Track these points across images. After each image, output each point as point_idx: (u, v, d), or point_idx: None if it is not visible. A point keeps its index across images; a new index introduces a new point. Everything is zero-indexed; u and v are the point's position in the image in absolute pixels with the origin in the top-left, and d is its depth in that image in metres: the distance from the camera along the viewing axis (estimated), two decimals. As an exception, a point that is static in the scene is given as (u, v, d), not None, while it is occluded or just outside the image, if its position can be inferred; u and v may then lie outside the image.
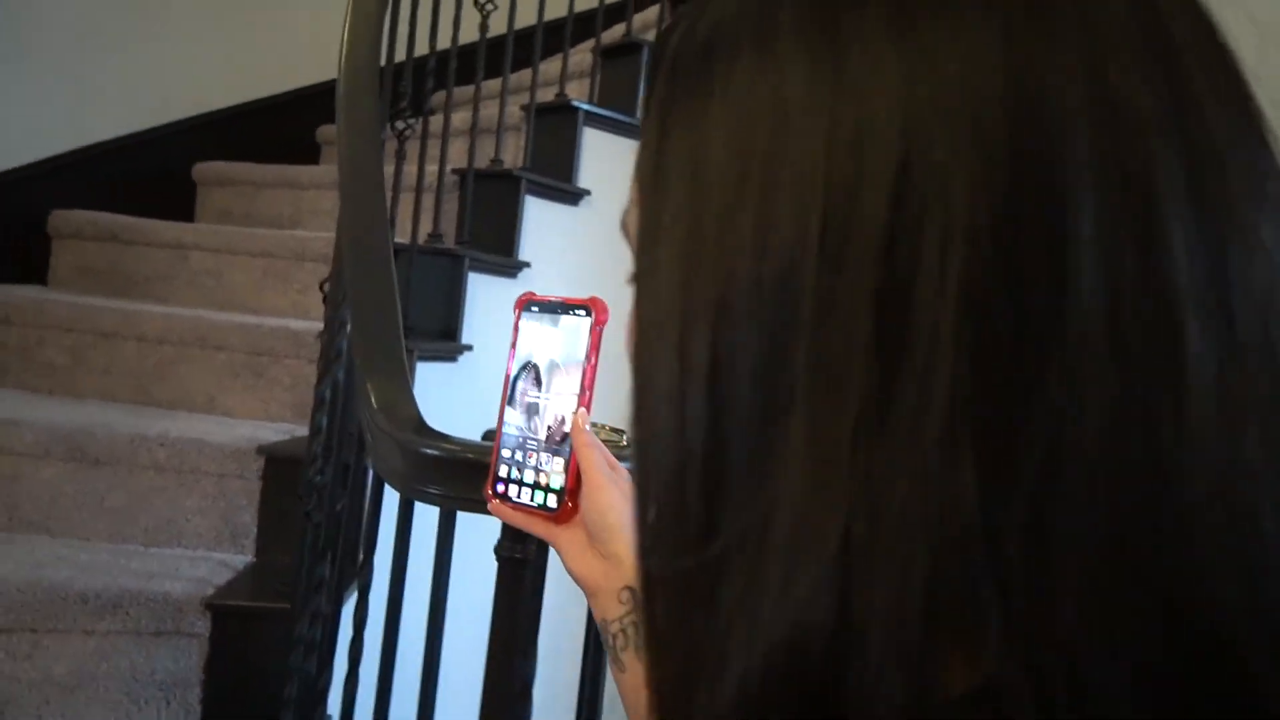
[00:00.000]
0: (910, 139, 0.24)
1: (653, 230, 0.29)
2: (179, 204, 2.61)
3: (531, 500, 0.65)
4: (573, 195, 2.10)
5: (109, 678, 1.35)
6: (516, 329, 0.67)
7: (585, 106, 2.11)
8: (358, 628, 1.16)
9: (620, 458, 0.80)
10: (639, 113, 2.14)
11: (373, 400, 0.97)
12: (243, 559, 1.57)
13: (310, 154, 2.92)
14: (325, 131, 2.91)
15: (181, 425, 1.65)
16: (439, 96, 2.13)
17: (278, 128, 2.95)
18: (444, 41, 1.92)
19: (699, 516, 0.26)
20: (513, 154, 2.13)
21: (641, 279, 0.30)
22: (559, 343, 0.65)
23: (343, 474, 1.35)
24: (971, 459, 0.23)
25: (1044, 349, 0.23)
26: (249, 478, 1.58)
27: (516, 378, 0.66)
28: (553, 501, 0.64)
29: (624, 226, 0.34)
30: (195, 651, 1.39)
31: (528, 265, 2.01)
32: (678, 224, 0.27)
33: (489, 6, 1.91)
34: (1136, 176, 0.24)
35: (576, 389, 0.63)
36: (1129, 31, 0.25)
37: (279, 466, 1.58)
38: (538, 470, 0.65)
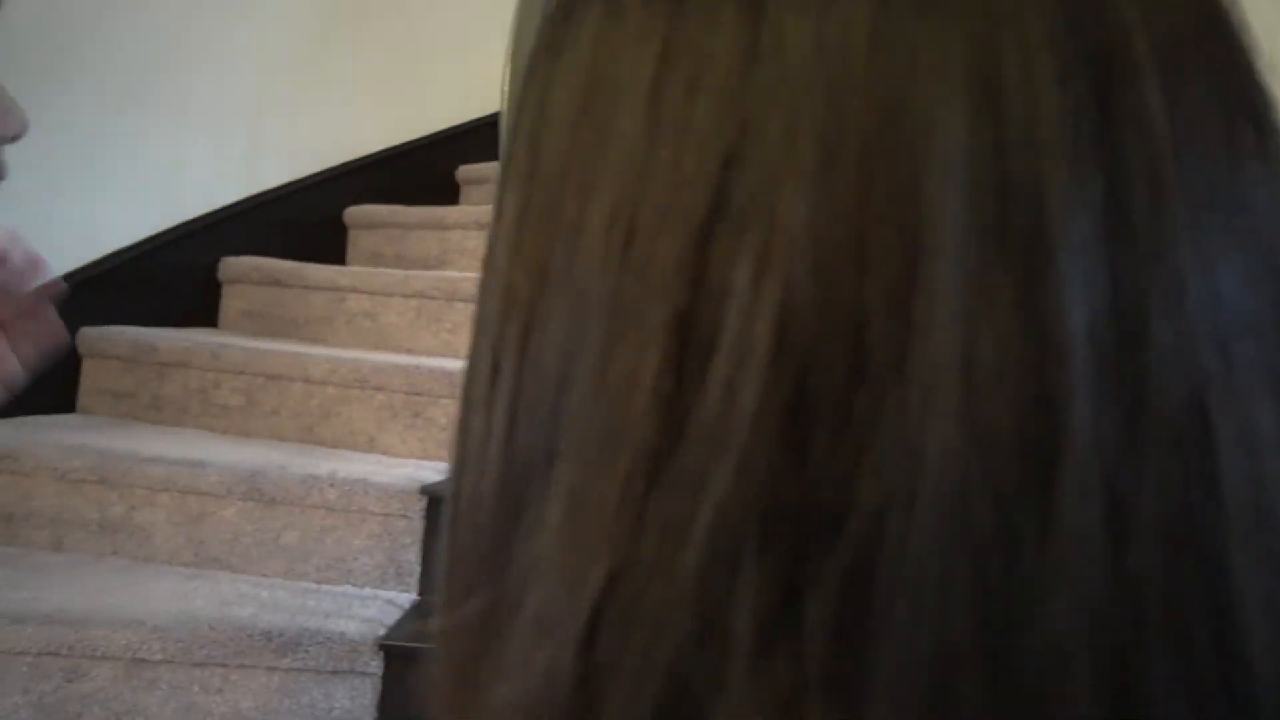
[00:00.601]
0: (744, 128, 0.19)
1: (495, 209, 0.25)
2: (332, 248, 2.74)
3: None
4: None
5: (292, 714, 1.40)
6: None
7: None
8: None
9: None
10: None
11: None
12: (407, 596, 1.60)
13: (450, 194, 3.02)
14: (464, 171, 3.01)
15: (347, 465, 1.71)
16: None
17: (419, 170, 3.06)
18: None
19: (470, 571, 0.23)
20: None
21: (483, 263, 0.26)
22: None
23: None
24: (762, 553, 0.18)
25: (874, 412, 0.18)
26: (412, 517, 1.62)
27: None
28: None
29: None
30: (370, 691, 1.43)
31: None
32: (511, 203, 0.24)
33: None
34: (1022, 193, 0.18)
35: None
36: (1046, 10, 0.19)
37: (441, 506, 1.62)
38: None
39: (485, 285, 0.25)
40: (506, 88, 1.54)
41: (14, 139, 0.53)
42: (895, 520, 0.17)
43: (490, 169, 2.94)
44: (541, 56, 0.24)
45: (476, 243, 2.46)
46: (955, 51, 0.19)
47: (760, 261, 0.18)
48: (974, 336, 0.18)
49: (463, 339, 2.09)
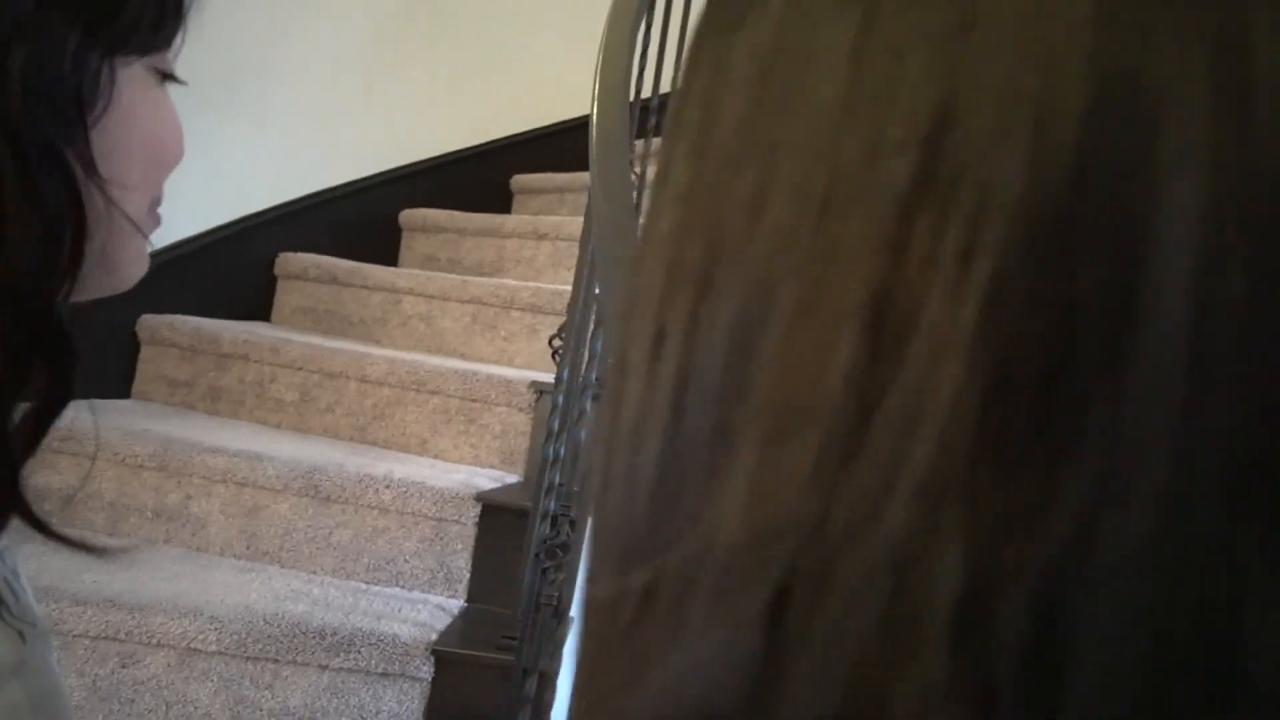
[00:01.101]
0: (953, 94, 0.19)
1: (661, 177, 0.24)
2: (385, 249, 2.76)
3: None
4: None
5: (339, 714, 1.40)
6: None
7: None
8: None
9: None
10: None
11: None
12: (456, 603, 1.60)
13: (503, 203, 3.04)
14: (518, 181, 3.03)
15: (402, 467, 1.71)
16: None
17: (473, 177, 3.08)
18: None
19: (637, 541, 0.22)
20: None
21: (644, 231, 0.25)
22: None
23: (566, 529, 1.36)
24: (961, 534, 0.17)
25: (1083, 400, 0.17)
26: (465, 523, 1.62)
27: None
28: None
29: None
30: (418, 695, 1.42)
31: None
32: (680, 171, 0.23)
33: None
34: (1266, 183, 0.17)
35: None
36: None
37: (494, 514, 1.61)
38: None
39: (645, 255, 0.24)
40: (598, 91, 1.54)
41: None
42: (1108, 516, 0.16)
43: (544, 179, 2.95)
44: (716, 25, 0.23)
45: (533, 252, 2.47)
46: (1198, 30, 0.18)
47: (968, 238, 0.17)
48: (1206, 330, 0.17)
49: (519, 347, 2.09)
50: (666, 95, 1.62)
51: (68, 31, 0.45)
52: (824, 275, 0.19)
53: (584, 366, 1.36)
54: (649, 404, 0.22)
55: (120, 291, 0.55)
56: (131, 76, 0.48)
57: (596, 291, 1.37)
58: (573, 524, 1.36)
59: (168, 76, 0.52)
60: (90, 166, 0.46)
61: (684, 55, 0.26)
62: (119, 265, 0.52)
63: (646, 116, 1.88)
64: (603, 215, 1.25)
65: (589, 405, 1.31)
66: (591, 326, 1.35)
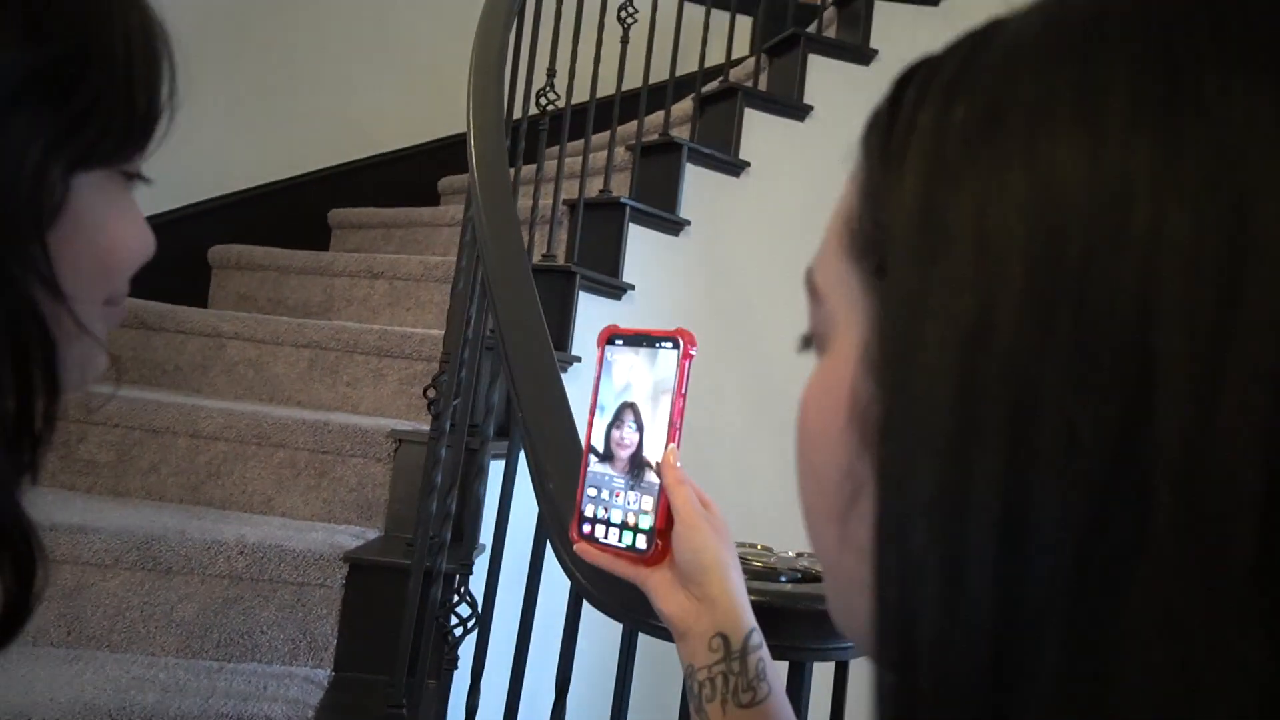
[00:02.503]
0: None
1: (917, 301, 0.25)
2: (193, 289, 2.54)
3: (620, 541, 0.62)
4: (674, 225, 2.20)
5: (205, 813, 1.25)
6: (601, 363, 0.64)
7: (688, 143, 2.21)
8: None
9: (753, 574, 0.80)
10: (734, 152, 2.31)
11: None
12: (323, 673, 1.49)
13: (321, 238, 2.88)
14: (338, 215, 2.88)
15: (253, 530, 1.57)
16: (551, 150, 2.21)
17: (288, 212, 2.91)
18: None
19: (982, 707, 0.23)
20: (619, 191, 2.23)
21: (891, 356, 0.26)
22: (645, 377, 0.62)
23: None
24: None
25: None
26: (330, 586, 1.51)
27: (601, 413, 0.64)
28: (642, 542, 0.61)
29: (811, 277, 0.32)
30: (294, 780, 1.30)
31: (632, 287, 2.10)
32: (958, 305, 0.24)
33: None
34: None
35: (664, 424, 0.61)
36: None
37: (363, 574, 1.52)
38: (626, 509, 0.62)
39: (905, 381, 0.25)
40: (472, 114, 1.50)
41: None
42: None
43: (367, 214, 2.83)
44: (956, 149, 0.25)
45: (366, 291, 2.36)
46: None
47: None
48: None
49: (363, 393, 1.99)
50: (535, 117, 1.63)
51: (28, 147, 0.40)
52: (1203, 411, 0.21)
53: (470, 415, 1.32)
54: (967, 565, 0.23)
55: (79, 391, 0.49)
56: (88, 182, 0.44)
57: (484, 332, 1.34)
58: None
59: (134, 176, 0.47)
60: (54, 287, 0.41)
61: (883, 178, 0.28)
62: (70, 370, 0.46)
63: (516, 141, 1.87)
64: (494, 255, 1.23)
65: (487, 459, 1.27)
66: (486, 373, 1.32)
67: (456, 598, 1.31)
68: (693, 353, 0.61)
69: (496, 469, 1.52)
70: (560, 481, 0.97)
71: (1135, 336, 0.22)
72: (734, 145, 2.30)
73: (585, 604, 0.96)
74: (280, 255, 2.49)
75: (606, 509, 0.63)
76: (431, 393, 1.45)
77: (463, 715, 1.23)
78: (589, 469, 0.64)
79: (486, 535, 1.49)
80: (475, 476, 1.32)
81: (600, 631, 1.03)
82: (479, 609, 1.22)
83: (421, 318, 2.29)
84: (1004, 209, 0.24)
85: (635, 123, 2.30)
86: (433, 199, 3.04)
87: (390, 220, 2.77)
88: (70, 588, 1.45)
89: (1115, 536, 0.21)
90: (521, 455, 1.08)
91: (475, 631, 1.21)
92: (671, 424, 0.61)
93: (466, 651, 1.32)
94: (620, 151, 2.30)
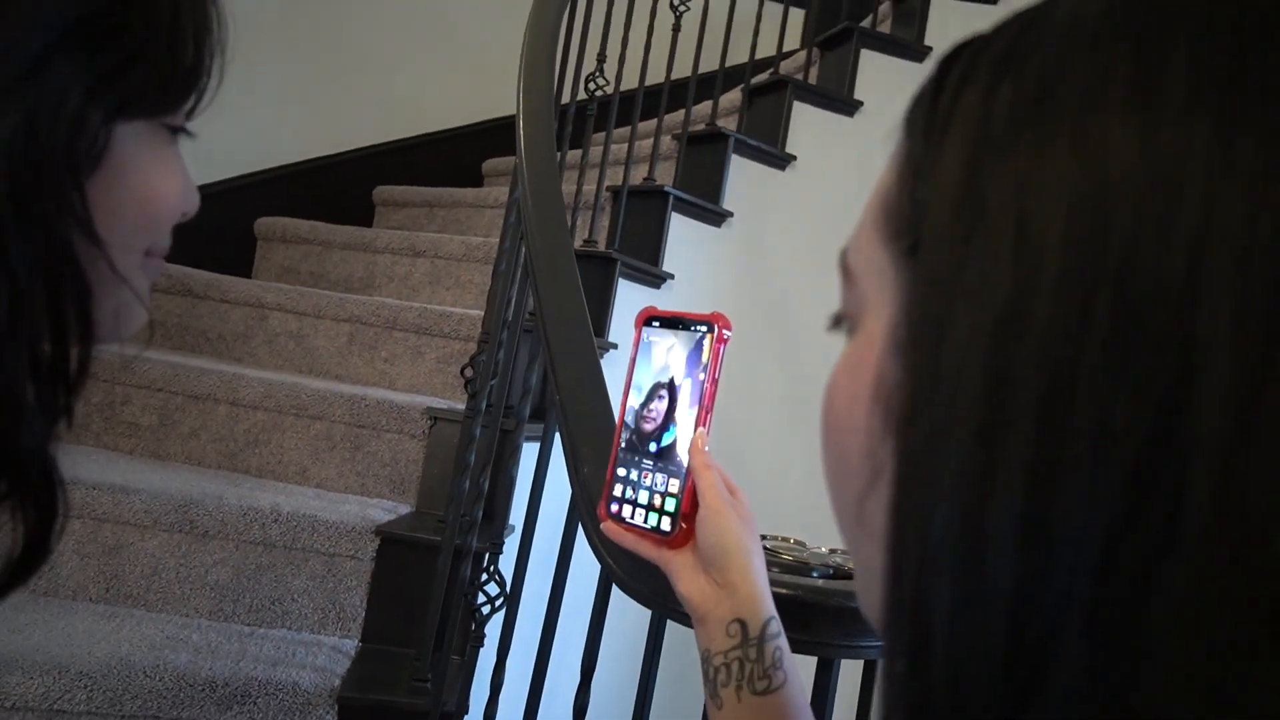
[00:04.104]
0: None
1: (948, 284, 0.24)
2: (238, 259, 2.57)
3: (645, 521, 0.62)
4: (717, 216, 2.18)
5: (231, 773, 1.28)
6: (637, 344, 0.64)
7: (734, 134, 2.19)
8: None
9: (784, 568, 0.79)
10: (780, 145, 2.28)
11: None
12: (350, 643, 1.51)
13: (365, 215, 2.91)
14: (383, 192, 2.91)
15: (287, 499, 1.59)
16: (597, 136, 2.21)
17: (334, 187, 2.94)
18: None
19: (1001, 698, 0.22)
20: (663, 180, 2.22)
21: (919, 337, 0.25)
22: (680, 359, 0.62)
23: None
24: None
25: None
26: (361, 558, 1.53)
27: (636, 393, 0.64)
28: (666, 524, 0.61)
29: (844, 258, 0.31)
30: (319, 746, 1.32)
31: (671, 277, 2.09)
32: (992, 287, 0.23)
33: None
34: None
35: (695, 407, 0.61)
36: None
37: (392, 548, 1.54)
38: (652, 491, 0.62)
39: (928, 363, 0.24)
40: (522, 97, 1.50)
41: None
42: None
43: (411, 192, 2.85)
44: (1001, 133, 0.24)
45: (408, 269, 2.38)
46: None
47: None
48: None
49: (401, 369, 2.01)
50: (583, 103, 1.62)
51: (68, 92, 0.40)
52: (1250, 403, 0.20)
53: (506, 396, 1.33)
54: (990, 545, 0.22)
55: (115, 342, 0.51)
56: (131, 132, 0.44)
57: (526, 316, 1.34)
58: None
59: (178, 130, 0.47)
60: (91, 233, 0.42)
61: (923, 154, 0.27)
62: (106, 318, 0.47)
63: (563, 126, 1.87)
64: (538, 238, 1.23)
65: (521, 440, 1.28)
66: (524, 355, 1.32)
67: (485, 576, 1.32)
68: (727, 336, 0.60)
69: (530, 451, 1.52)
70: (594, 466, 0.97)
71: (1179, 325, 0.21)
72: (781, 138, 2.28)
73: (614, 588, 0.96)
74: (324, 230, 2.51)
75: (634, 489, 0.63)
76: (469, 372, 1.46)
77: (487, 693, 1.24)
78: (619, 448, 0.64)
79: (517, 516, 1.50)
80: (509, 457, 1.33)
81: (628, 616, 1.03)
82: (507, 588, 1.23)
83: (461, 298, 2.31)
84: (1047, 189, 0.23)
85: (682, 112, 2.29)
86: (476, 180, 3.06)
87: (434, 200, 2.79)
88: (110, 546, 1.48)
89: (1145, 531, 0.21)
90: (556, 438, 1.08)
91: (503, 610, 1.22)
92: (702, 408, 0.60)
93: (493, 630, 1.33)
94: (666, 140, 2.30)
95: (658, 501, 0.62)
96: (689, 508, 0.60)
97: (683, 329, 0.62)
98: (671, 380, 0.62)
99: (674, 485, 0.61)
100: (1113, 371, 0.21)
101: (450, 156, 3.09)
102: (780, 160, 2.27)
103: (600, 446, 1.01)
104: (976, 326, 0.23)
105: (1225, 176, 0.21)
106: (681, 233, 2.13)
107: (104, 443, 1.79)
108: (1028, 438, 0.22)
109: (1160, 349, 0.21)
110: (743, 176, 2.22)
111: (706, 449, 0.60)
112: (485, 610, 1.27)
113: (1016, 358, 0.22)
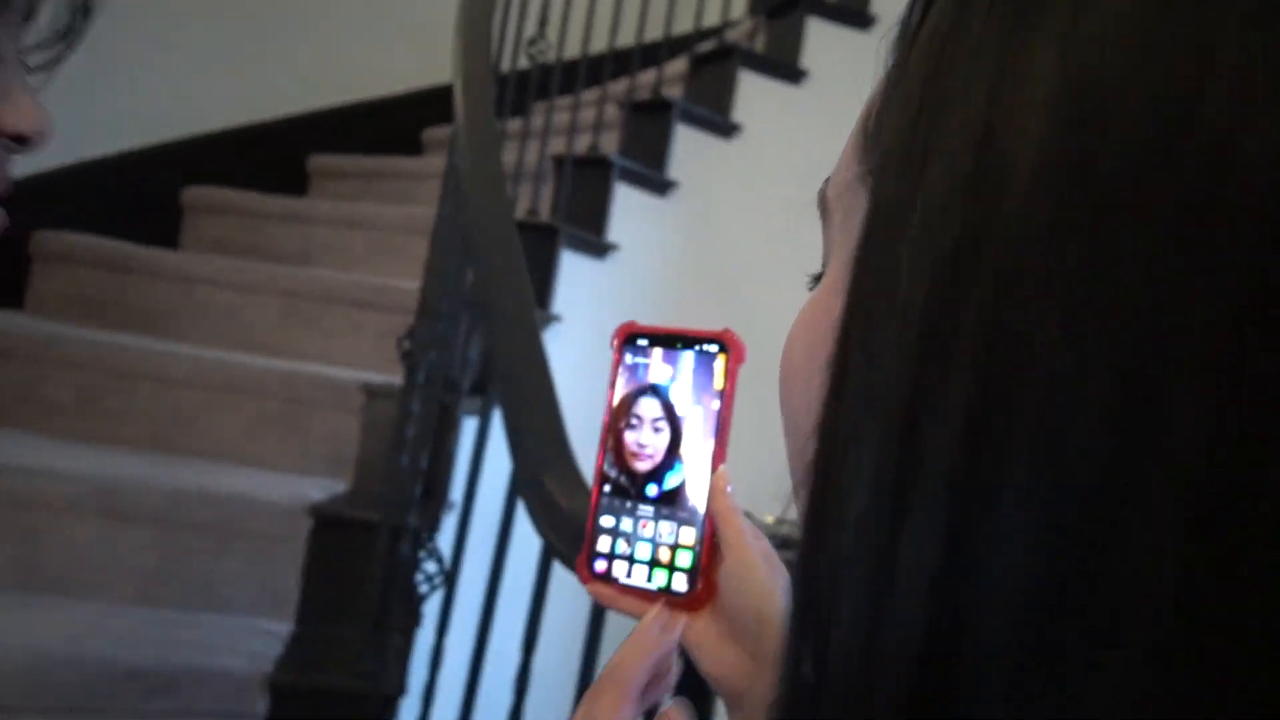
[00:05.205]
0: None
1: (897, 206, 0.20)
2: (164, 231, 2.46)
3: (649, 581, 0.52)
4: (662, 185, 2.13)
5: (158, 765, 1.23)
6: (617, 367, 0.54)
7: (680, 102, 2.15)
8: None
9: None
10: (727, 114, 2.24)
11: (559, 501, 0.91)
12: (284, 627, 1.46)
13: (299, 184, 2.81)
14: (319, 162, 2.81)
15: (218, 480, 1.53)
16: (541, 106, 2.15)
17: (265, 156, 2.83)
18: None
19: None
20: (607, 149, 2.18)
21: (858, 281, 0.22)
22: (684, 384, 0.53)
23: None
24: None
25: None
26: (295, 539, 1.48)
27: (623, 426, 0.54)
28: (681, 583, 0.51)
29: (823, 198, 0.28)
30: (253, 734, 1.28)
31: (616, 248, 2.02)
32: (948, 205, 0.19)
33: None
34: None
35: (709, 441, 0.52)
36: None
37: (328, 528, 1.48)
38: (656, 543, 0.52)
39: (870, 305, 0.21)
40: (459, 60, 1.44)
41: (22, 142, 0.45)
42: None
43: (349, 162, 2.76)
44: (966, 42, 0.20)
45: (346, 241, 2.30)
46: None
47: None
48: None
49: (340, 345, 1.95)
50: (524, 70, 1.56)
51: None
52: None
53: (447, 370, 1.28)
54: (920, 475, 0.19)
55: None
56: None
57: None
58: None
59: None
60: None
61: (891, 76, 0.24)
62: None
63: (503, 93, 1.82)
64: (477, 206, 1.19)
65: (461, 415, 1.23)
66: (464, 328, 1.28)
67: (424, 554, 1.28)
68: (743, 358, 0.52)
69: (470, 426, 1.48)
70: (536, 441, 0.94)
71: (1174, 273, 0.17)
72: (727, 107, 2.25)
73: (556, 563, 0.93)
74: (257, 200, 2.42)
75: (630, 542, 0.53)
76: (407, 344, 1.41)
77: (426, 673, 1.21)
78: (602, 493, 0.54)
79: (458, 493, 1.46)
80: (448, 432, 1.29)
81: (571, 591, 1.00)
82: (446, 566, 1.19)
83: (403, 270, 2.23)
84: (1024, 92, 0.19)
85: (627, 79, 2.24)
86: (417, 150, 2.97)
87: (372, 169, 2.70)
88: (27, 531, 1.41)
89: (1105, 527, 0.17)
90: (497, 412, 1.04)
91: (443, 589, 1.19)
92: (719, 441, 0.51)
93: (434, 611, 1.29)
94: (611, 109, 2.25)
95: (665, 556, 0.52)
96: (708, 561, 0.51)
97: (683, 348, 0.53)
98: (672, 409, 0.53)
99: (687, 535, 0.51)
100: (1080, 332, 0.18)
101: (389, 124, 3.00)
102: (727, 129, 2.23)
103: (542, 419, 0.98)
104: (916, 274, 0.19)
105: (1256, 80, 0.17)
106: (627, 203, 2.09)
107: (21, 424, 1.70)
108: (958, 411, 0.18)
109: (1145, 306, 0.17)
110: (689, 145, 2.19)
111: (730, 489, 0.51)
112: (424, 589, 1.23)
113: (961, 308, 0.19)
